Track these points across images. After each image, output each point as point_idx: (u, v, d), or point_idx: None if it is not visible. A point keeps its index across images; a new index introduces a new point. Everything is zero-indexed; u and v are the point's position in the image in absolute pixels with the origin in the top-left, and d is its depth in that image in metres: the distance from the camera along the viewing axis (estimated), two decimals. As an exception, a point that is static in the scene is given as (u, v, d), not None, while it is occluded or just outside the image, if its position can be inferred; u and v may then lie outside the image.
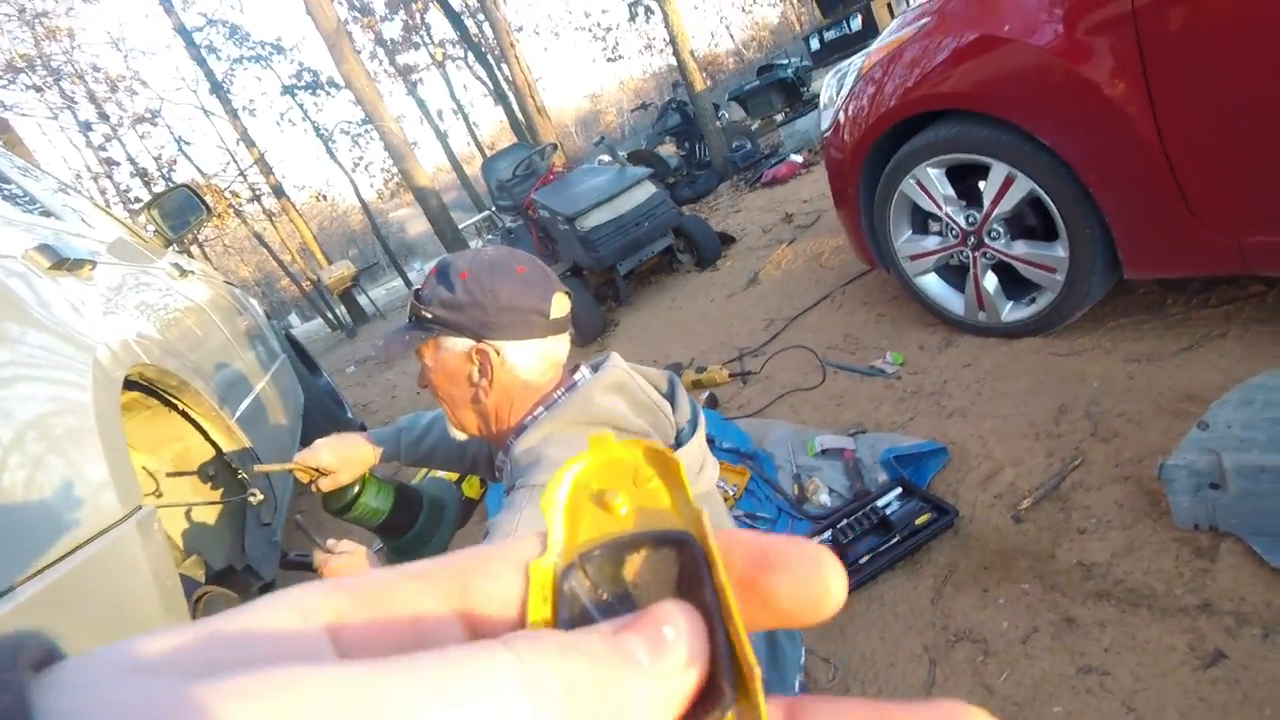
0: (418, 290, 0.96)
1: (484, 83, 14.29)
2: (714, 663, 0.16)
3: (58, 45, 11.49)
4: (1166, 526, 1.22)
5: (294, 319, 28.28)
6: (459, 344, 0.94)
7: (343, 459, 1.16)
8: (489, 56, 13.01)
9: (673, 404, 0.97)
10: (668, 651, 0.15)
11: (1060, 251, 1.73)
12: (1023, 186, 1.73)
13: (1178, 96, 1.36)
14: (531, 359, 0.93)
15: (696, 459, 0.93)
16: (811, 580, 0.17)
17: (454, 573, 0.18)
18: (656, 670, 0.15)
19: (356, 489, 1.20)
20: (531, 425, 0.91)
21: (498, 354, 0.91)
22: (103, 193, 13.04)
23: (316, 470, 1.15)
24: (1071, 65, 1.49)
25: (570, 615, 0.17)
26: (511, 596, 0.18)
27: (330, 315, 13.66)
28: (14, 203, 1.86)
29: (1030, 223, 1.84)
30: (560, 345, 0.96)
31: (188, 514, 1.73)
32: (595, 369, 0.98)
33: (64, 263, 1.41)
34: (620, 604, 0.18)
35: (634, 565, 0.18)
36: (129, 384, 1.47)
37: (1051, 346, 1.87)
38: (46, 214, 1.89)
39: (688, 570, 0.18)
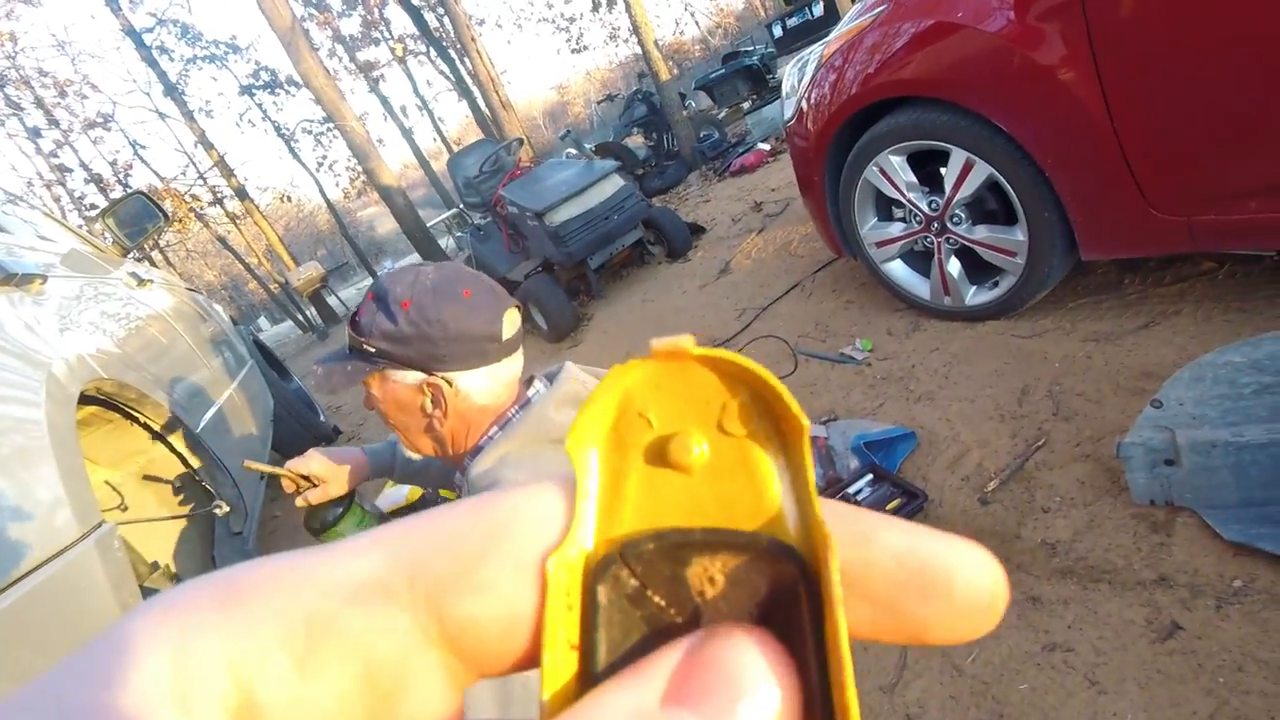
0: (355, 318, 0.90)
1: (447, 77, 14.09)
2: None
3: (0, 50, 11.08)
4: (1125, 503, 1.25)
5: (263, 322, 27.80)
6: (408, 376, 0.89)
7: (334, 471, 1.12)
8: (451, 51, 12.82)
9: None
10: None
11: (1020, 235, 1.76)
12: (982, 171, 1.75)
13: (1126, 80, 1.38)
14: (486, 383, 0.89)
15: None
16: (977, 608, 0.13)
17: (422, 587, 0.13)
18: None
19: (340, 511, 1.15)
20: (488, 446, 0.89)
21: (450, 385, 0.87)
22: (56, 200, 12.66)
23: (305, 479, 1.11)
24: (1024, 51, 1.51)
25: (610, 640, 0.13)
26: (514, 617, 0.13)
27: (300, 317, 13.42)
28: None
29: (991, 207, 1.87)
30: (514, 364, 0.92)
31: (155, 526, 1.70)
32: (550, 379, 0.96)
33: (13, 278, 1.37)
34: (680, 617, 0.13)
35: (703, 569, 0.13)
36: (87, 399, 1.43)
37: (1014, 328, 1.91)
38: (-5, 228, 1.83)
39: (783, 592, 0.13)
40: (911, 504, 1.50)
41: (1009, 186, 1.70)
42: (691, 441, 0.13)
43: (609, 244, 4.03)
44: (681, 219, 4.54)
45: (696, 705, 0.11)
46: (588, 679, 0.12)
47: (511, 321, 0.89)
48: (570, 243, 3.87)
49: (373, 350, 0.87)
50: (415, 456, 1.00)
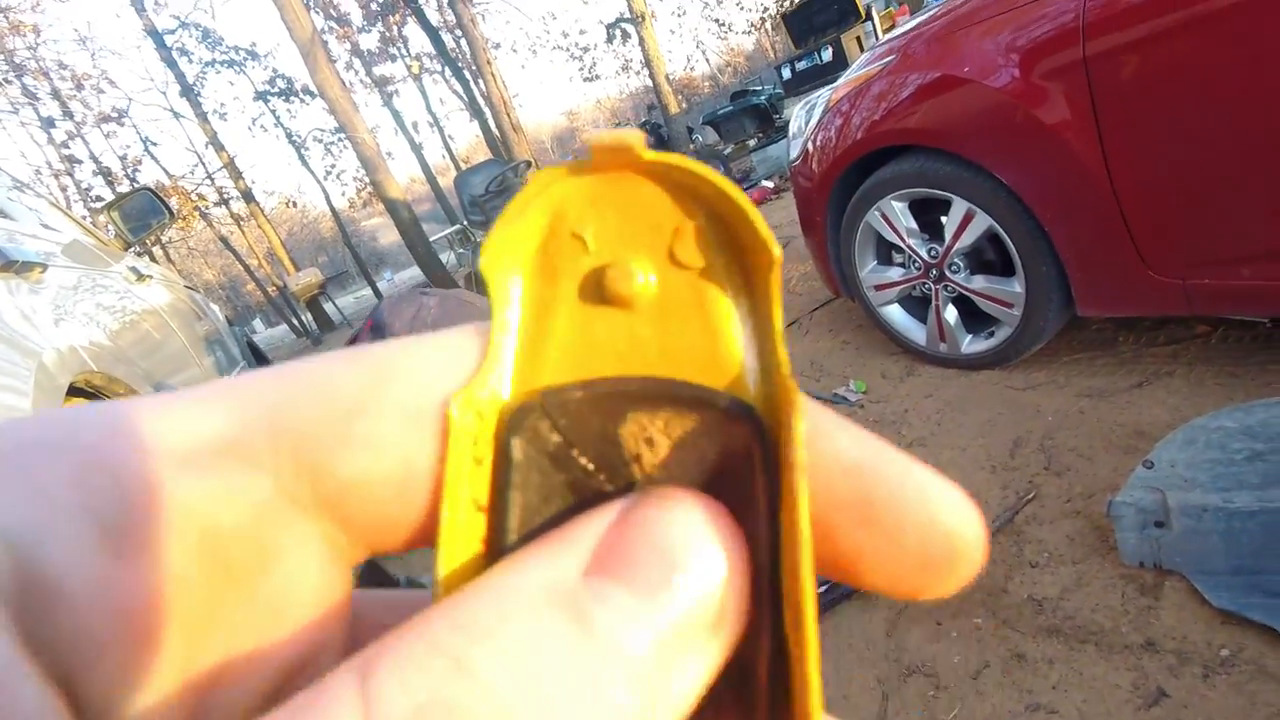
0: (352, 344, 0.87)
1: (460, 97, 14.30)
2: (751, 636, 0.10)
3: (21, 40, 11.19)
4: (1114, 563, 1.23)
5: (259, 324, 27.74)
6: None
7: None
8: (466, 72, 13.03)
9: None
10: (673, 623, 0.09)
11: (1017, 287, 1.77)
12: (982, 222, 1.77)
13: (1126, 141, 1.41)
14: None
15: None
16: (931, 556, 0.11)
17: (287, 443, 0.10)
18: (647, 661, 0.09)
19: None
20: None
21: None
22: (63, 190, 12.69)
23: None
24: (1027, 107, 1.54)
25: (525, 504, 0.10)
26: (407, 475, 0.10)
27: (296, 322, 13.41)
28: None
29: (990, 258, 1.89)
30: None
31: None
32: None
33: (13, 265, 1.36)
34: (610, 484, 0.10)
35: (640, 427, 0.10)
36: (75, 390, 1.41)
37: (1009, 379, 1.91)
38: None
39: (735, 459, 0.10)
40: (898, 550, 1.48)
41: (1008, 239, 1.72)
42: (635, 269, 0.11)
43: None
44: (683, 250, 4.57)
45: (625, 576, 0.09)
46: (496, 548, 0.10)
47: None
48: (571, 266, 3.88)
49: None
50: None
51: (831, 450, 0.11)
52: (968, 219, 1.79)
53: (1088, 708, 1.04)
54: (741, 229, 0.11)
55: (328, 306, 12.58)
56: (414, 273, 15.19)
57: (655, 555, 0.09)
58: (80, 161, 12.54)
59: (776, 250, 0.10)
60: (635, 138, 0.10)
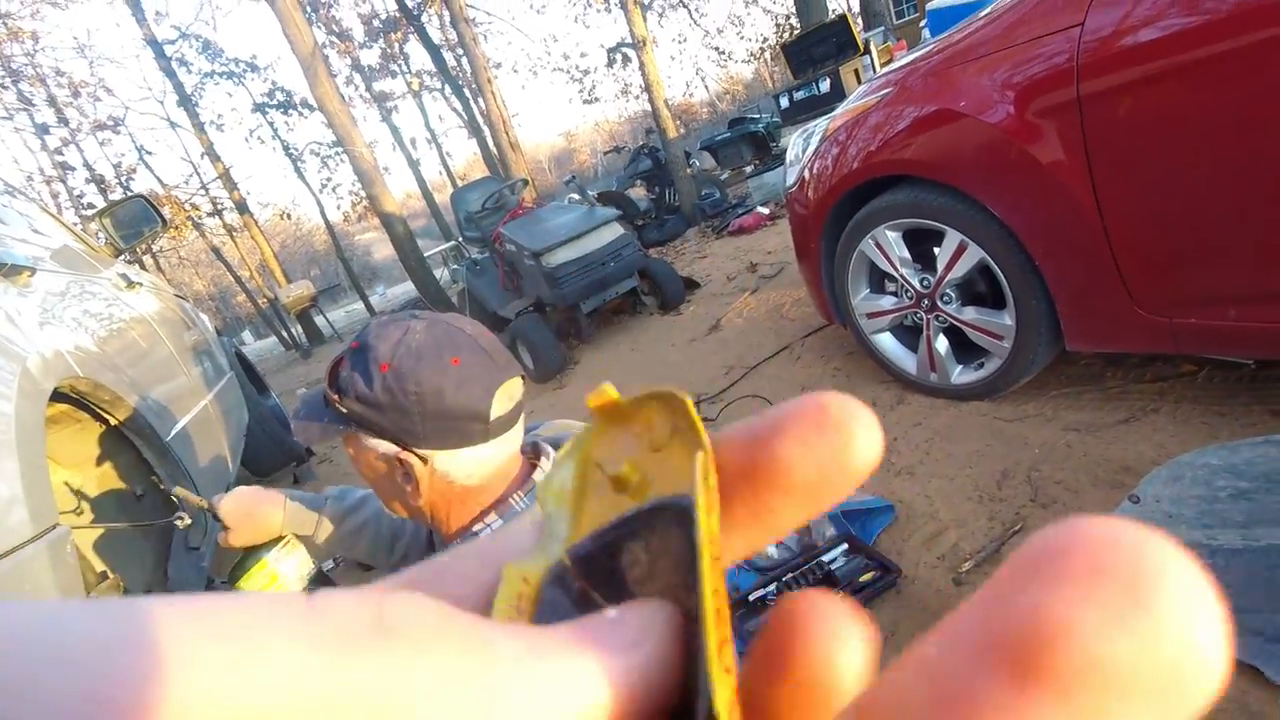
0: (335, 368, 0.80)
1: (459, 114, 14.40)
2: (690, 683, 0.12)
3: (19, 47, 11.20)
4: (1100, 596, 1.24)
5: (247, 335, 27.55)
6: (380, 445, 0.78)
7: (240, 520, 0.94)
8: (466, 90, 13.15)
9: None
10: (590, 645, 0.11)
11: (1008, 320, 1.79)
12: (974, 255, 1.79)
13: (1117, 180, 1.44)
14: (470, 467, 0.77)
15: None
16: (825, 435, 0.13)
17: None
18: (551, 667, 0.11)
19: (248, 563, 0.95)
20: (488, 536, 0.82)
21: (425, 463, 0.77)
22: (54, 196, 12.63)
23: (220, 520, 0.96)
24: (1021, 144, 1.57)
25: None
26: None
27: (286, 334, 13.33)
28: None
29: (981, 289, 1.91)
30: (506, 444, 0.80)
31: (109, 533, 1.64)
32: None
33: (1, 268, 1.35)
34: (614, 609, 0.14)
35: (635, 556, 0.14)
36: (60, 396, 1.40)
37: (997, 411, 1.92)
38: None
39: (686, 549, 0.13)
40: (885, 578, 1.48)
41: (999, 271, 1.75)
42: (626, 467, 0.15)
43: (603, 290, 4.07)
44: (676, 272, 4.60)
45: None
46: None
47: (507, 396, 0.78)
48: (564, 285, 3.90)
49: (344, 411, 0.78)
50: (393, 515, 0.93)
51: (736, 429, 0.14)
52: (960, 250, 1.82)
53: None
54: (673, 405, 0.15)
55: (319, 319, 12.52)
56: (407, 287, 15.16)
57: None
58: (73, 168, 12.50)
59: (681, 397, 0.15)
60: (609, 388, 0.16)
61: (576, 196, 4.98)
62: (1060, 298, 1.65)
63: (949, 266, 1.87)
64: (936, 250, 1.90)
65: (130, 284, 2.30)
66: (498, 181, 5.40)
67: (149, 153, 13.80)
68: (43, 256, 1.77)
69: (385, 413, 0.75)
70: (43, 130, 12.20)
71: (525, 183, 5.28)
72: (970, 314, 1.90)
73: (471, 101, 13.10)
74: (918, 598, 1.42)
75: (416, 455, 0.76)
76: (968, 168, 1.70)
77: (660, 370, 3.43)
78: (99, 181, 12.63)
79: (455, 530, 0.81)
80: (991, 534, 1.50)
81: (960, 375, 2.02)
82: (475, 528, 0.80)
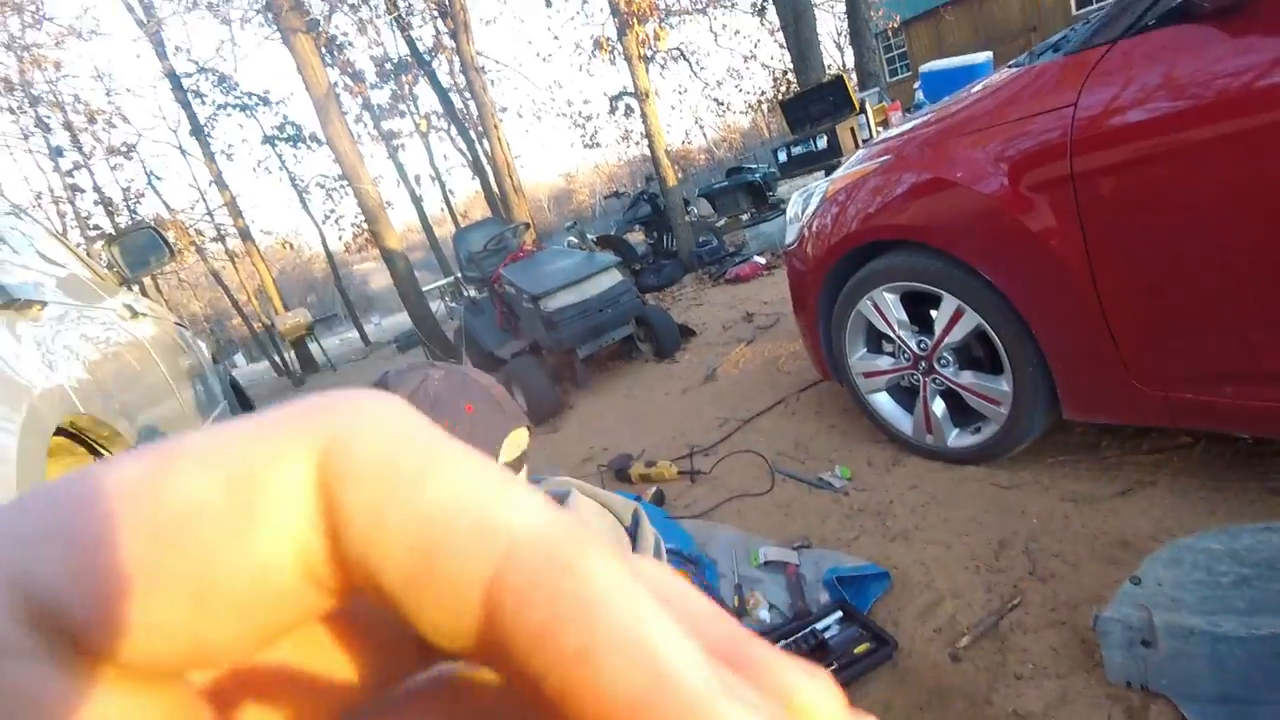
0: None
1: (464, 154, 14.63)
2: None
3: (41, 74, 11.42)
4: (1100, 680, 1.20)
5: (240, 359, 27.45)
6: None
7: None
8: (471, 132, 13.40)
9: (634, 542, 0.88)
10: None
11: (1005, 386, 1.79)
12: (971, 320, 1.80)
13: (1111, 254, 1.46)
14: None
15: None
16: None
17: None
18: None
19: None
20: None
21: None
22: (61, 217, 12.69)
23: None
24: (1015, 214, 1.59)
25: None
26: None
27: (280, 360, 13.27)
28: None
29: (978, 354, 1.92)
30: None
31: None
32: (559, 501, 0.88)
33: (14, 303, 1.35)
34: None
35: None
36: (61, 432, 1.38)
37: (994, 477, 1.91)
38: (-1, 240, 1.81)
39: None
40: (881, 650, 1.44)
41: (996, 338, 1.75)
42: None
43: (599, 336, 4.07)
44: (673, 320, 4.62)
45: None
46: None
47: (515, 444, 0.82)
48: (562, 329, 3.90)
49: None
50: None
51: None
52: (957, 316, 1.83)
53: (1076, 841, 0.99)
54: None
55: (313, 347, 12.49)
56: (402, 318, 15.19)
57: None
58: (83, 191, 12.61)
59: None
60: None
61: (576, 240, 5.03)
62: (1057, 366, 1.66)
63: (946, 330, 1.88)
64: (934, 313, 1.91)
65: (134, 314, 2.29)
66: (500, 224, 5.46)
67: (158, 178, 13.94)
68: (50, 285, 1.77)
69: None
70: (56, 153, 12.33)
71: (527, 226, 5.33)
72: (967, 378, 1.90)
73: (476, 143, 13.34)
74: (914, 673, 1.38)
75: None
76: (963, 235, 1.72)
77: (653, 419, 3.41)
78: (107, 204, 12.72)
79: None
80: (989, 607, 1.47)
81: (957, 439, 2.01)
82: None
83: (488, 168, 11.63)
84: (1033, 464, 1.91)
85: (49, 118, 12.06)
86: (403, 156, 15.82)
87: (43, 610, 0.08)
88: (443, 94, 12.49)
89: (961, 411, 2.01)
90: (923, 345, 1.97)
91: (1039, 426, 1.82)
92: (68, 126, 12.07)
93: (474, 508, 0.09)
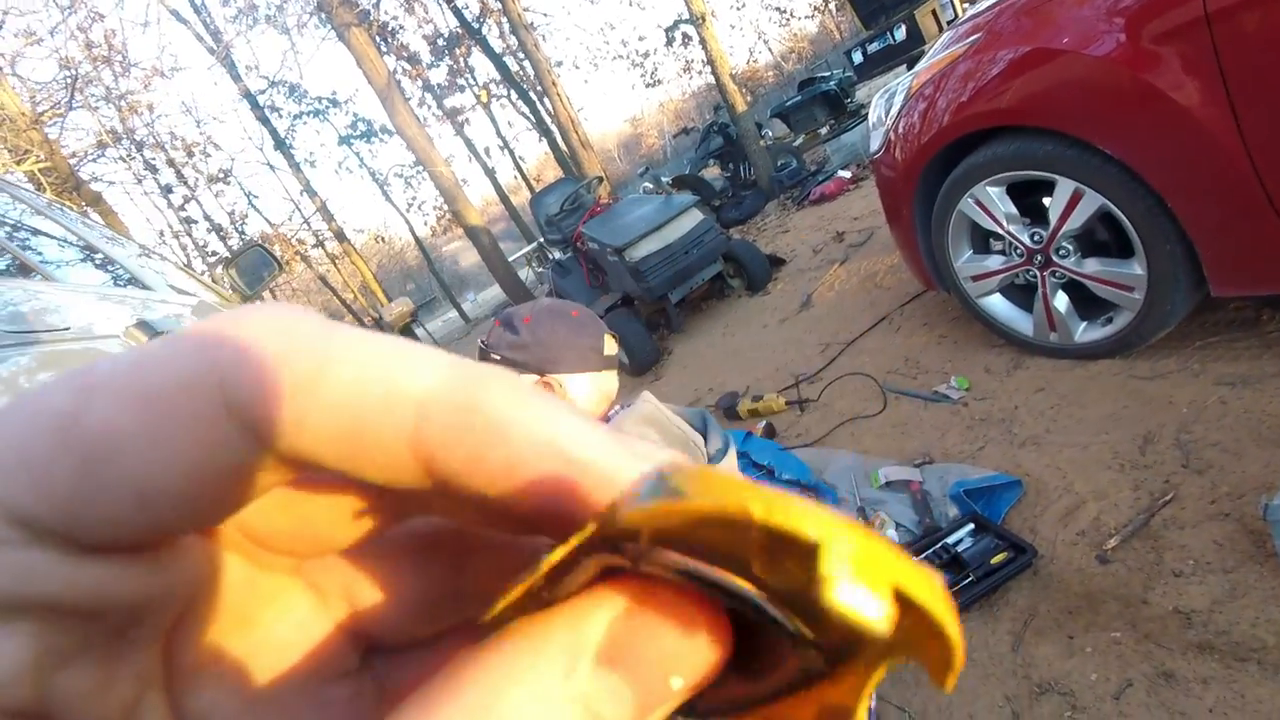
0: (484, 340, 1.09)
1: (528, 118, 14.65)
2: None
3: (139, 119, 12.41)
4: (1274, 571, 1.12)
5: (358, 354, 29.24)
6: (525, 378, 1.01)
7: None
8: (531, 93, 13.36)
9: (705, 436, 1.06)
10: (664, 709, 0.10)
11: (1137, 269, 1.64)
12: (1092, 202, 1.64)
13: (1262, 100, 1.27)
14: (589, 389, 1.05)
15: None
16: None
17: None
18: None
19: None
20: None
21: (560, 385, 1.03)
22: (184, 249, 13.92)
23: None
24: (1139, 74, 1.42)
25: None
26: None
27: (392, 350, 14.09)
28: (106, 270, 2.00)
29: (1102, 238, 1.75)
30: (611, 379, 1.08)
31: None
32: (627, 407, 1.08)
33: (158, 336, 1.50)
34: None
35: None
36: None
37: (1132, 369, 1.77)
38: (135, 282, 2.02)
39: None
40: (1020, 559, 1.39)
41: (1124, 217, 1.59)
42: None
43: (688, 278, 4.05)
44: (761, 252, 4.51)
45: (632, 674, 0.10)
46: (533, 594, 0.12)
47: (610, 343, 1.06)
48: (650, 278, 3.90)
49: (498, 359, 1.04)
50: None
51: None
52: (1075, 199, 1.67)
53: (1260, 735, 0.94)
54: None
55: (419, 332, 13.21)
56: (495, 291, 15.69)
57: (659, 659, 0.10)
58: (195, 221, 13.75)
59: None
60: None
61: (651, 186, 4.97)
62: (1200, 239, 1.49)
63: (1063, 218, 1.72)
64: (1046, 202, 1.76)
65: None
66: (573, 182, 5.47)
67: (256, 197, 14.98)
68: (185, 314, 1.96)
69: (531, 350, 1.02)
70: (166, 190, 13.47)
71: (600, 180, 5.32)
72: (1092, 266, 1.75)
73: (538, 103, 13.31)
74: (1058, 579, 1.33)
75: (555, 380, 1.03)
76: (1076, 109, 1.56)
77: (753, 353, 3.38)
78: (218, 230, 13.83)
79: None
80: (1138, 505, 1.38)
81: (1085, 333, 1.87)
82: None
83: (553, 128, 11.62)
84: (1177, 350, 1.74)
85: (154, 159, 13.14)
86: (469, 131, 16.08)
87: (17, 514, 0.10)
88: (497, 59, 12.48)
89: (1087, 303, 1.85)
90: (1037, 238, 1.82)
91: (1182, 308, 1.65)
92: (171, 163, 13.12)
93: (377, 382, 0.10)
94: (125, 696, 0.12)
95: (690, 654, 0.10)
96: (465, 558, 0.14)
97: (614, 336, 1.09)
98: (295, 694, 0.14)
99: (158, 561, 0.12)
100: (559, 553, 0.10)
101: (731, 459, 1.03)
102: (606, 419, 1.07)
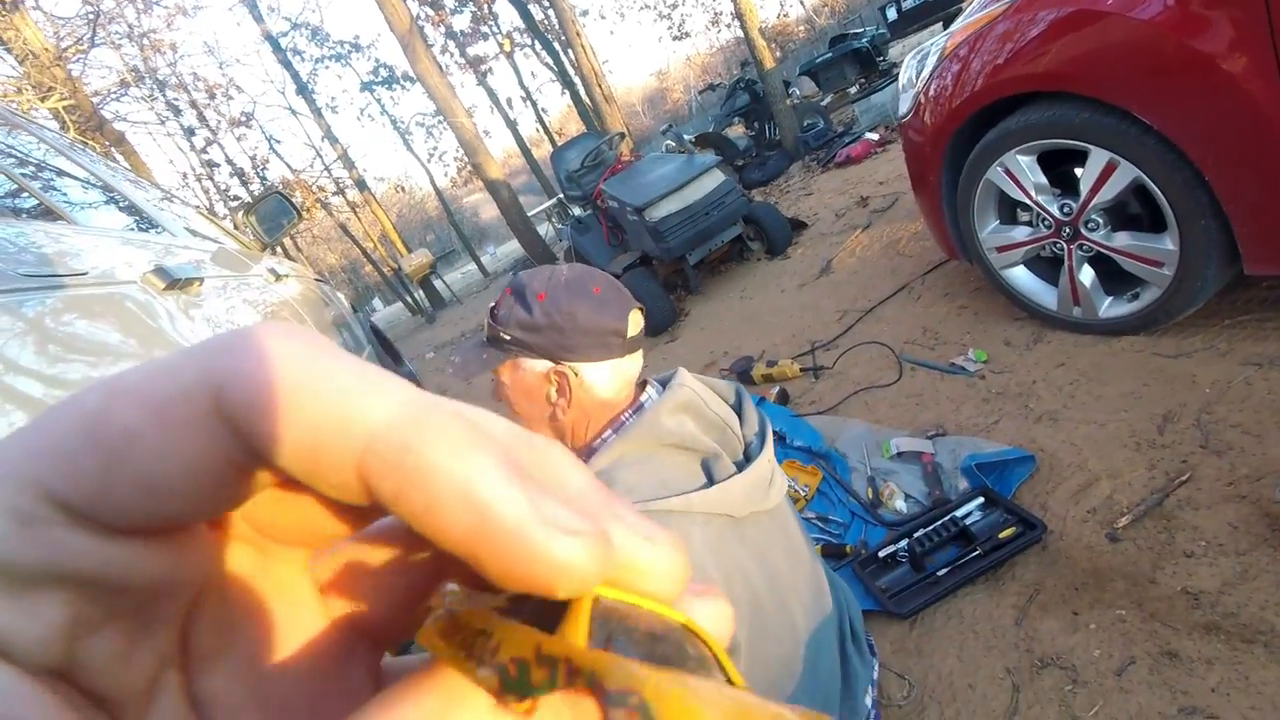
0: (493, 309, 0.98)
1: (551, 69, 14.37)
2: None
3: (162, 59, 12.35)
4: (1289, 555, 1.11)
5: (377, 303, 29.60)
6: (537, 365, 0.94)
7: None
8: (555, 43, 13.06)
9: (740, 416, 0.97)
10: None
11: (1169, 244, 1.59)
12: (1126, 174, 1.59)
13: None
14: (608, 378, 0.93)
15: (765, 475, 0.91)
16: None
17: None
18: None
19: None
20: (601, 449, 0.91)
21: (576, 375, 0.92)
22: (205, 193, 13.98)
23: None
24: (1184, 39, 1.35)
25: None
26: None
27: (410, 300, 14.22)
28: (126, 213, 2.01)
29: (1134, 212, 1.70)
30: (635, 362, 0.96)
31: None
32: (663, 385, 0.97)
33: (176, 283, 1.51)
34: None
35: None
36: None
37: (1156, 346, 1.73)
38: (156, 227, 2.03)
39: None
40: (1029, 534, 1.40)
41: (1158, 190, 1.54)
42: None
43: (708, 240, 4.00)
44: (782, 215, 4.43)
45: None
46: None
47: (636, 321, 0.93)
48: (669, 238, 3.86)
49: (508, 339, 0.93)
50: None
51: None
52: (1109, 170, 1.62)
53: (1256, 715, 0.95)
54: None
55: (438, 284, 13.24)
56: (514, 246, 15.63)
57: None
58: (218, 165, 13.77)
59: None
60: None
61: (674, 144, 4.87)
62: (1236, 215, 1.44)
63: (1095, 189, 1.67)
64: (1078, 172, 1.70)
65: (279, 277, 2.52)
66: (595, 137, 5.38)
67: (277, 141, 14.94)
68: (204, 260, 1.97)
69: (544, 333, 0.91)
70: (189, 133, 13.47)
71: (622, 136, 5.22)
72: (1122, 240, 1.70)
73: (561, 53, 13.02)
74: (1067, 555, 1.33)
75: (570, 368, 0.92)
76: (1117, 75, 1.50)
77: (770, 318, 3.35)
78: (240, 174, 13.85)
79: (583, 444, 0.95)
80: (1153, 485, 1.37)
81: (1110, 308, 1.83)
82: (594, 443, 0.94)
83: (576, 80, 11.38)
84: (1205, 328, 1.70)
85: (176, 100, 13.11)
86: (492, 81, 15.82)
87: (55, 497, 0.12)
88: (521, 6, 12.19)
89: (1113, 278, 1.81)
90: (1066, 210, 1.77)
91: (1212, 286, 1.61)
92: (193, 105, 13.09)
93: (338, 412, 0.11)
94: (145, 671, 0.13)
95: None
96: (446, 557, 0.15)
97: (641, 309, 0.96)
98: (297, 681, 0.15)
99: (175, 546, 0.13)
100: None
101: (768, 451, 0.93)
102: (639, 406, 0.95)
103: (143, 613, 0.13)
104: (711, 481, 0.85)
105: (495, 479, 0.11)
